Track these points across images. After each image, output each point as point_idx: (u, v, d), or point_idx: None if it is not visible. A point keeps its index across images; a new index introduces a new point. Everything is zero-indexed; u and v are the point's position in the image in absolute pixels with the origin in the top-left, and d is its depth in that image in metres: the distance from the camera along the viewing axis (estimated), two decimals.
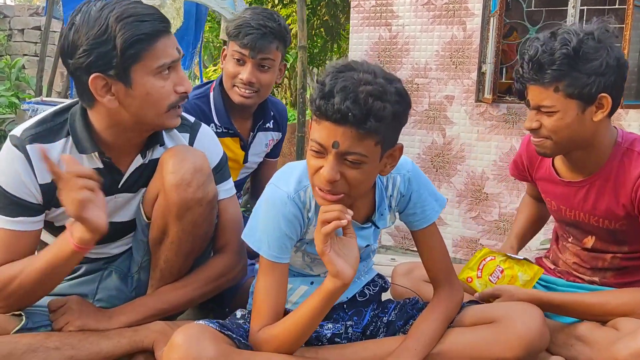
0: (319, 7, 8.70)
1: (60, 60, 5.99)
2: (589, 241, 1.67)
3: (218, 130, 2.06)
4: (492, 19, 3.52)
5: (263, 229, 1.34)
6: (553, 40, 1.45)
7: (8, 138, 1.40)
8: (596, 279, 1.68)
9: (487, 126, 3.60)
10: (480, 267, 1.69)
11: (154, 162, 1.49)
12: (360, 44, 3.96)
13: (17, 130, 1.40)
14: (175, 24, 4.34)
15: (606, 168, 1.55)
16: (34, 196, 1.39)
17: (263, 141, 2.26)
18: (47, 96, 5.73)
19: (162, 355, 1.31)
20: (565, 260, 1.76)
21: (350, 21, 4.02)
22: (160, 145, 1.51)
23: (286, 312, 1.36)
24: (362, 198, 1.38)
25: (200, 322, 1.29)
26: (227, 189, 1.62)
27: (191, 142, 1.58)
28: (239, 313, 1.46)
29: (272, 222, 1.33)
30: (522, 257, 1.70)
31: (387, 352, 1.38)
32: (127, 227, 1.58)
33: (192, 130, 1.59)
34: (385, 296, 1.64)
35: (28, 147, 1.37)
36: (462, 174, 3.70)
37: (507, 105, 3.54)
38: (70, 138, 1.41)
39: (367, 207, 1.42)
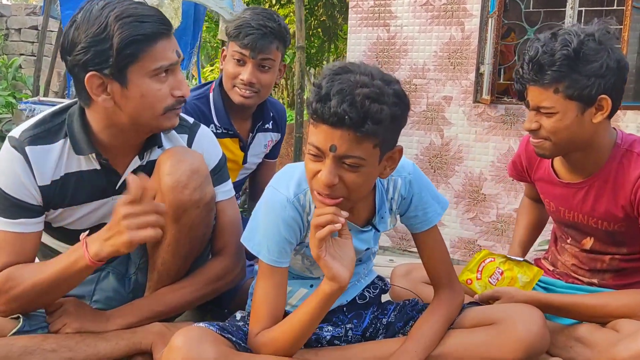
0: (316, 8, 8.71)
1: (57, 59, 6.00)
2: (588, 242, 1.67)
3: (218, 131, 2.05)
4: (490, 19, 3.52)
5: (262, 233, 1.33)
6: (553, 41, 1.44)
7: (7, 139, 1.39)
8: (595, 280, 1.68)
9: (485, 127, 3.60)
10: (480, 269, 1.69)
11: (152, 164, 1.49)
12: (359, 45, 3.96)
13: (16, 132, 1.40)
14: (174, 23, 4.33)
15: (605, 169, 1.55)
16: (34, 197, 1.39)
17: (262, 142, 2.25)
18: (44, 96, 5.73)
19: (161, 358, 1.30)
20: (564, 261, 1.76)
21: (349, 21, 4.01)
22: (158, 147, 1.50)
23: (286, 314, 1.36)
24: (362, 201, 1.37)
25: (200, 324, 1.29)
26: (225, 190, 1.61)
27: (190, 143, 1.57)
28: (238, 315, 1.46)
29: (271, 226, 1.32)
30: (521, 259, 1.70)
31: (387, 354, 1.37)
32: None
33: (190, 131, 1.58)
34: (384, 297, 1.64)
35: (27, 148, 1.36)
36: (460, 174, 3.70)
37: (505, 106, 3.54)
38: (69, 139, 1.41)
39: (367, 210, 1.42)
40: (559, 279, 1.76)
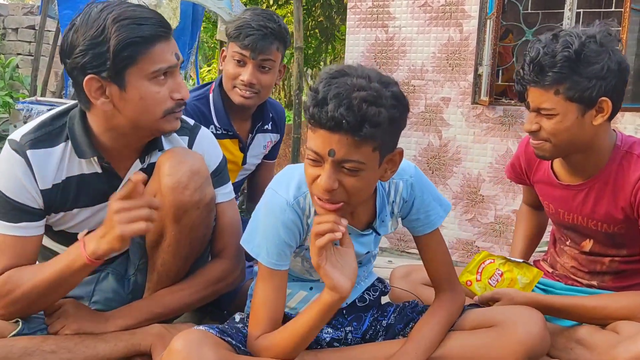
0: (313, 8, 8.71)
1: (55, 59, 5.98)
2: (587, 244, 1.67)
3: (217, 132, 2.05)
4: (488, 21, 3.53)
5: (262, 235, 1.32)
6: (555, 43, 1.44)
7: (7, 143, 1.38)
8: (594, 282, 1.68)
9: (483, 128, 3.60)
10: (480, 271, 1.69)
11: (153, 167, 1.48)
12: (357, 45, 3.96)
13: (16, 135, 1.39)
14: (172, 24, 4.32)
15: (605, 171, 1.55)
16: (36, 201, 1.38)
17: (262, 143, 2.25)
18: (41, 96, 5.70)
19: None
20: (563, 263, 1.75)
21: (347, 22, 4.01)
22: (159, 151, 1.49)
23: (285, 315, 1.35)
24: (363, 205, 1.36)
25: (200, 327, 1.28)
26: (226, 192, 1.61)
27: (190, 145, 1.56)
28: (237, 317, 1.45)
29: (271, 229, 1.31)
30: (521, 260, 1.70)
31: (387, 355, 1.37)
32: None
33: (191, 133, 1.58)
34: (384, 299, 1.63)
35: (29, 152, 1.36)
36: (458, 176, 3.70)
37: (503, 107, 3.55)
38: (70, 142, 1.40)
39: (367, 213, 1.41)
40: (558, 280, 1.76)
